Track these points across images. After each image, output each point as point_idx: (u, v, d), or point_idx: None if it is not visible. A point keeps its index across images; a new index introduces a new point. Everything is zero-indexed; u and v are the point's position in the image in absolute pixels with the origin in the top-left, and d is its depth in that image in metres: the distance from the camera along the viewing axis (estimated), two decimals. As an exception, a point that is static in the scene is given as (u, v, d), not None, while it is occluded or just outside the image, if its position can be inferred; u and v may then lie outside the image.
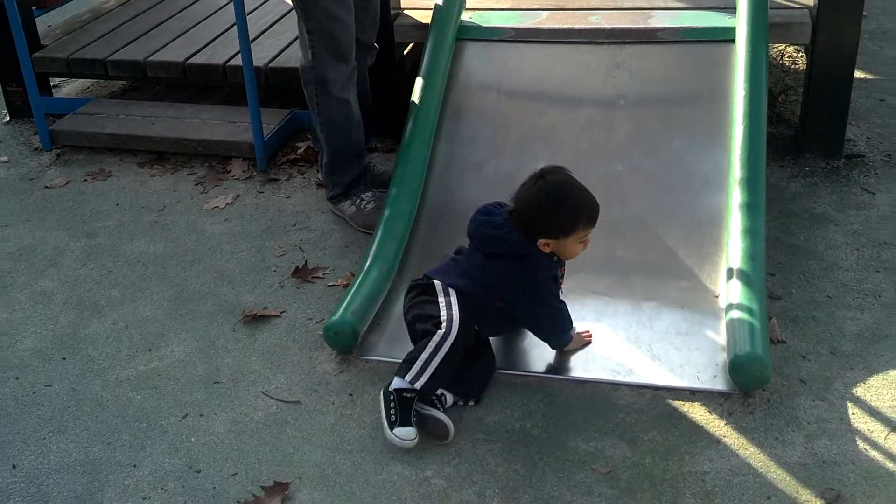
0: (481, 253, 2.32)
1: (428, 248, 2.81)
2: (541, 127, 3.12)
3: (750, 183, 2.65)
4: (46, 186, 3.48)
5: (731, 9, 3.23)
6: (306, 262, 2.92)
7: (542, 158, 2.96)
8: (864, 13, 3.39)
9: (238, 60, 3.67)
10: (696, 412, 2.21)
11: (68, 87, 4.36)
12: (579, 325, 2.41)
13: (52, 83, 4.15)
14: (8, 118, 4.05)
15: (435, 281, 2.32)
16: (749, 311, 2.30)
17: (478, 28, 3.38)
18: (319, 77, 2.97)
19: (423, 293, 2.33)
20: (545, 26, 3.35)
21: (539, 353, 2.41)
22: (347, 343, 2.46)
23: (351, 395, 2.35)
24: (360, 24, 3.09)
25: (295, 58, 3.37)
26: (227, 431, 2.26)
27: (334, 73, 2.96)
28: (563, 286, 2.36)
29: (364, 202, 3.11)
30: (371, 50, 3.23)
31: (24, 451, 2.23)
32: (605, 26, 3.30)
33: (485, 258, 2.31)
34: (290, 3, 3.00)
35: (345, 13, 2.93)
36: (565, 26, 3.34)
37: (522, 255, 2.26)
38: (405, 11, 3.56)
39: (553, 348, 2.41)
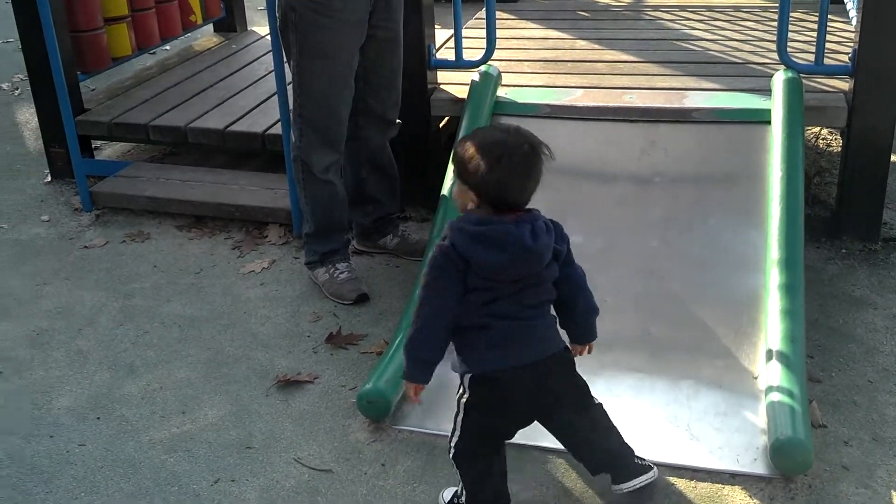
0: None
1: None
2: (575, 201, 3.14)
3: (788, 263, 2.64)
4: (85, 246, 3.53)
5: (765, 91, 3.27)
6: (340, 328, 2.93)
7: (576, 231, 2.93)
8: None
9: (276, 129, 3.74)
10: (737, 496, 2.17)
11: (109, 150, 4.44)
12: (614, 402, 2.36)
13: (93, 145, 4.24)
14: (49, 178, 4.12)
15: None
16: (789, 393, 2.27)
17: (513, 104, 3.43)
18: (304, 159, 3.04)
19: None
20: (580, 103, 3.40)
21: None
22: (381, 412, 2.45)
23: (383, 465, 2.33)
24: (383, 103, 3.16)
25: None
26: (258, 499, 2.24)
27: (319, 158, 3.03)
28: (599, 359, 2.31)
29: (338, 272, 3.14)
30: (392, 125, 3.26)
31: (55, 511, 2.22)
32: (640, 105, 3.35)
33: None
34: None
35: (342, 106, 3.00)
36: (600, 104, 3.39)
37: None
38: (441, 86, 3.63)
39: None
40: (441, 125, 3.77)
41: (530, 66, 3.86)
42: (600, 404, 2.11)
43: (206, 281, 3.27)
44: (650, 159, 3.20)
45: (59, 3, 3.86)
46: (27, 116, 4.95)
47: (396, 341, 2.62)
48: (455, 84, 3.63)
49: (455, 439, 2.04)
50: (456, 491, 2.14)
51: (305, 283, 3.22)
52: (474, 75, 3.42)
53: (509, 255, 1.88)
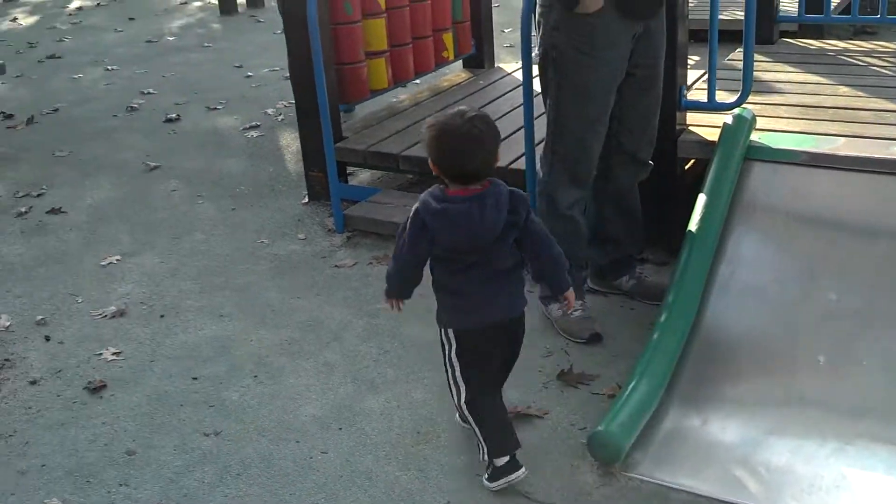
0: None
1: (700, 369, 2.73)
2: (831, 257, 2.97)
3: None
4: (336, 265, 3.75)
5: None
6: (572, 366, 2.93)
7: (831, 289, 2.83)
8: None
9: (518, 164, 3.81)
10: None
11: (361, 176, 4.71)
12: (865, 476, 2.21)
13: (348, 171, 4.51)
14: (307, 199, 4.43)
15: None
16: None
17: (768, 149, 3.30)
18: (550, 194, 3.06)
19: None
20: (841, 153, 3.22)
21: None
22: (612, 456, 2.42)
23: (611, 509, 2.30)
24: (637, 143, 3.14)
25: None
26: (486, 526, 2.28)
27: (565, 195, 3.05)
28: (852, 428, 2.19)
29: (572, 309, 3.05)
30: (644, 167, 3.23)
31: (298, 513, 2.36)
32: (910, 158, 3.12)
33: None
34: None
35: (596, 143, 3.00)
36: (863, 154, 3.19)
37: None
38: (691, 128, 3.56)
39: None
40: (687, 167, 3.70)
41: (787, 111, 3.71)
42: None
43: (444, 307, 3.37)
44: (918, 216, 2.97)
45: (328, 38, 4.16)
46: (289, 140, 5.35)
47: (630, 386, 2.59)
48: (704, 126, 3.55)
49: (462, 396, 2.45)
50: (480, 455, 2.43)
51: (539, 317, 3.24)
52: (727, 118, 3.33)
53: (461, 232, 2.27)
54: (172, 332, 3.32)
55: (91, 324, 3.42)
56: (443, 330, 2.47)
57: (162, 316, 3.44)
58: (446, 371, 2.48)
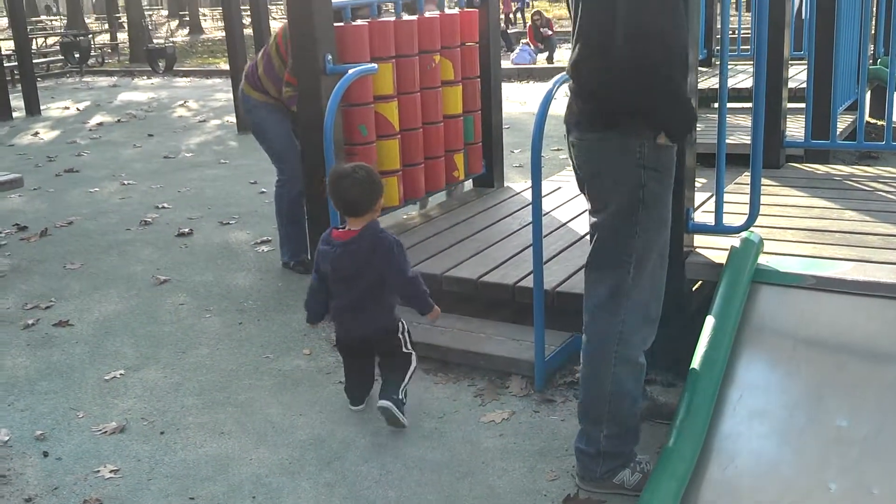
0: None
1: (710, 493, 2.65)
2: (840, 381, 2.92)
3: None
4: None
5: None
6: (578, 491, 2.85)
7: (839, 414, 2.77)
8: None
9: (527, 282, 3.82)
10: None
11: (369, 292, 4.72)
12: None
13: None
14: (314, 314, 4.42)
15: None
16: None
17: (775, 273, 3.30)
18: (625, 342, 2.77)
19: None
20: (849, 277, 3.21)
21: None
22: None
23: None
24: None
25: (580, 285, 3.40)
26: None
27: (639, 339, 2.81)
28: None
29: (641, 465, 2.89)
30: None
31: None
32: (918, 283, 3.11)
33: None
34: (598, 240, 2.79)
35: (665, 274, 2.83)
36: (872, 279, 3.18)
37: None
38: (698, 249, 3.58)
39: None
40: (694, 288, 3.69)
41: (794, 235, 3.72)
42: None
43: (448, 426, 3.32)
44: (928, 343, 2.94)
45: (342, 158, 4.24)
46: (300, 255, 5.38)
47: (638, 512, 2.51)
48: (712, 248, 3.56)
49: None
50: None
51: (544, 439, 3.19)
52: (734, 241, 3.34)
53: (329, 265, 3.32)
54: (172, 450, 3.27)
55: (91, 439, 3.37)
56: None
57: (162, 432, 3.40)
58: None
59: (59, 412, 3.59)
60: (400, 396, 3.28)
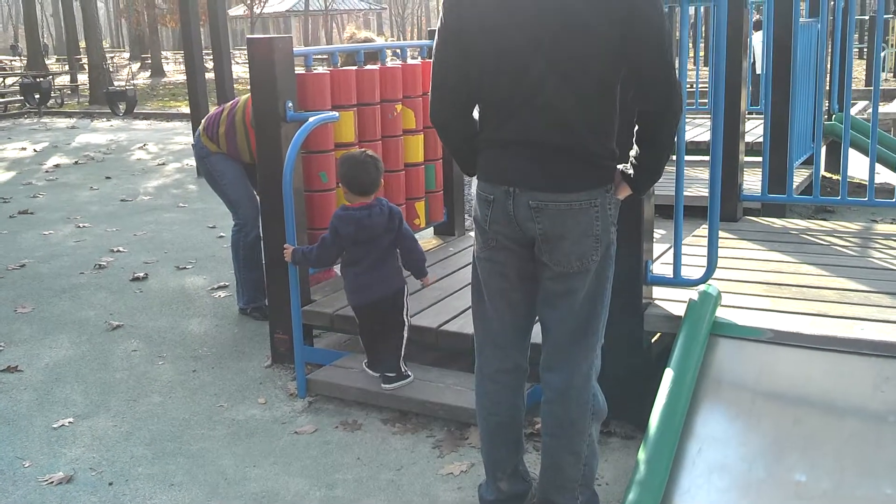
0: None
1: (669, 552, 2.63)
2: (798, 435, 2.93)
3: None
4: (296, 432, 3.64)
5: None
6: (537, 546, 2.80)
7: (798, 468, 2.78)
8: None
9: (487, 332, 3.79)
10: None
11: (327, 339, 4.65)
12: None
13: (314, 333, 4.46)
14: (270, 362, 4.35)
15: None
16: None
17: (733, 326, 3.31)
18: (595, 398, 2.79)
19: None
20: (806, 331, 3.24)
21: None
22: None
23: None
24: None
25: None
26: None
27: (598, 392, 2.81)
28: None
29: None
30: None
31: None
32: (873, 338, 3.14)
33: None
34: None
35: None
36: (828, 333, 3.21)
37: None
38: (656, 301, 3.59)
39: None
40: (653, 340, 3.69)
41: (751, 288, 3.75)
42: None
43: (406, 479, 3.26)
44: (884, 397, 2.96)
45: (301, 204, 4.21)
46: (257, 302, 5.31)
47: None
48: (670, 300, 3.57)
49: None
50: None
51: None
52: (692, 294, 3.36)
53: (354, 227, 3.67)
54: (120, 502, 3.17)
55: (37, 490, 3.26)
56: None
57: (111, 483, 3.29)
58: None
59: (4, 461, 3.47)
60: (403, 370, 3.81)
